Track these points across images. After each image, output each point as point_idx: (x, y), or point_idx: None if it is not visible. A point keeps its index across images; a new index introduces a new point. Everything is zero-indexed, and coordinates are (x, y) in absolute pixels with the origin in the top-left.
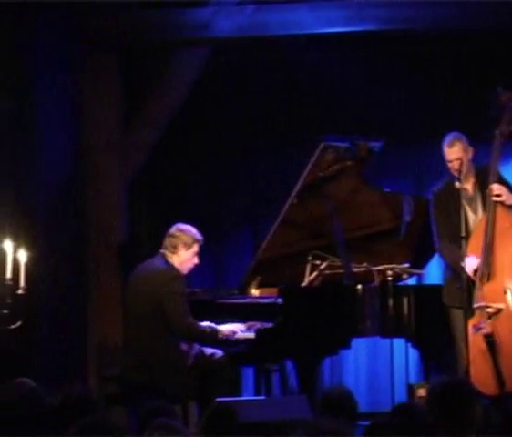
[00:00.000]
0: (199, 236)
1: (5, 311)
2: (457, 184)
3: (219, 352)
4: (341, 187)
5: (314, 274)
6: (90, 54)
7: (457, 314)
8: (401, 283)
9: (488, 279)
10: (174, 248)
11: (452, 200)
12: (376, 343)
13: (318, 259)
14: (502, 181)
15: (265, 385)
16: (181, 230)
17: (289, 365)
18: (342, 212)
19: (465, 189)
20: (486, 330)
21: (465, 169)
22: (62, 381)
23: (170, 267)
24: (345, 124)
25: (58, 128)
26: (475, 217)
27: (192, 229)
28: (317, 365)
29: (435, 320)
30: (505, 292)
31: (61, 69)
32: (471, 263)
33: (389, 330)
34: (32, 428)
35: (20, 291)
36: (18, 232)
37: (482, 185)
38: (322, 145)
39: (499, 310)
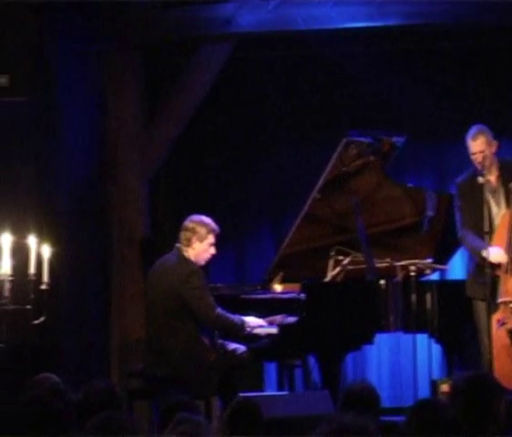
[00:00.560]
0: (213, 226)
1: (29, 307)
2: (480, 179)
3: (241, 348)
4: (364, 182)
5: (337, 269)
6: (113, 50)
7: (481, 306)
8: (424, 278)
9: None
10: (188, 241)
11: (475, 194)
12: (399, 338)
13: (341, 255)
14: None
15: (288, 381)
16: (195, 222)
17: (311, 360)
18: (365, 207)
19: (489, 181)
20: (511, 325)
21: (488, 162)
22: (85, 377)
23: (186, 261)
24: (368, 119)
25: (81, 124)
26: (498, 209)
27: (206, 220)
28: (340, 361)
29: (457, 316)
30: None
31: (84, 65)
32: (495, 252)
33: (412, 326)
34: (54, 423)
35: (43, 287)
36: (42, 228)
37: (505, 178)
38: (344, 140)
39: None
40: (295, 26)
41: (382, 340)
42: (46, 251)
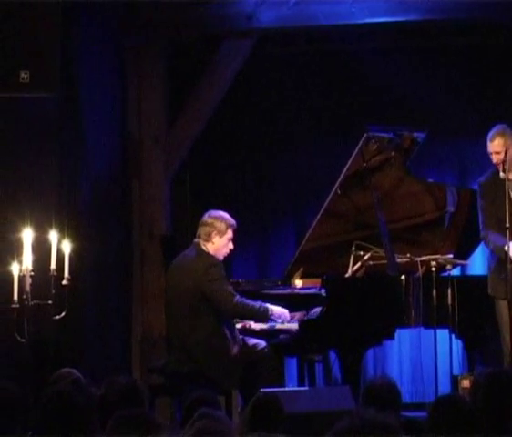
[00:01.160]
0: (232, 221)
1: (50, 302)
2: (502, 174)
3: (262, 343)
4: (384, 177)
5: (358, 265)
6: (137, 47)
7: (502, 304)
8: (445, 274)
9: None
10: (208, 236)
11: (498, 190)
12: (420, 334)
13: (361, 250)
14: None
15: (309, 376)
16: (214, 217)
17: (332, 356)
18: (385, 203)
19: (511, 180)
20: None
21: (508, 163)
22: (106, 372)
23: (206, 255)
24: (389, 114)
25: (104, 121)
26: None
27: (225, 215)
28: (361, 356)
29: (478, 311)
30: None
31: (108, 62)
32: None
33: (433, 321)
34: (76, 419)
35: (64, 282)
36: (63, 223)
37: None
38: (365, 135)
39: None
40: (316, 22)
41: (402, 335)
42: (67, 247)
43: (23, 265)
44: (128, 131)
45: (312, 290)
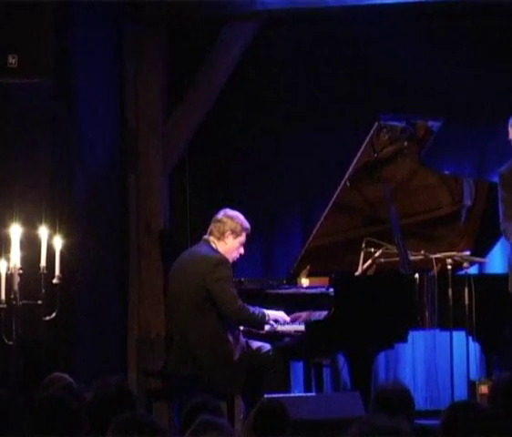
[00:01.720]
0: (247, 224)
1: (40, 302)
2: None
3: (266, 346)
4: (397, 169)
5: (368, 262)
6: (135, 32)
7: None
8: (461, 272)
9: None
10: (221, 235)
11: None
12: (435, 336)
13: (372, 247)
14: None
15: (316, 381)
16: (230, 217)
17: (341, 359)
18: (398, 196)
19: None
20: None
21: None
22: (100, 375)
23: (215, 252)
24: (403, 101)
25: (100, 111)
26: None
27: (241, 216)
28: (371, 360)
29: (497, 312)
30: None
31: (104, 50)
32: None
33: (448, 323)
34: (68, 425)
35: (55, 280)
36: (54, 217)
37: None
38: (376, 124)
39: None
40: (324, 3)
41: (416, 337)
42: (59, 243)
43: (11, 262)
44: (125, 121)
45: (320, 290)
